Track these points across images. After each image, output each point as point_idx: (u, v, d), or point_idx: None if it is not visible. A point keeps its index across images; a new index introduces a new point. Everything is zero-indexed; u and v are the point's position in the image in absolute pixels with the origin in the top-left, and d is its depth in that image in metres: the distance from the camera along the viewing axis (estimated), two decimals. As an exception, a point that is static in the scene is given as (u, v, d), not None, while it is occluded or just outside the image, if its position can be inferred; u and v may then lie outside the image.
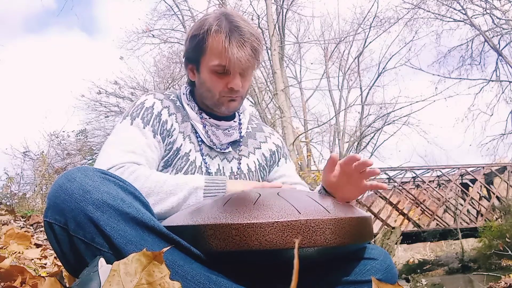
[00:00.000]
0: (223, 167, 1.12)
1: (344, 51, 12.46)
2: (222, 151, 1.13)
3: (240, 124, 1.17)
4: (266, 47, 8.92)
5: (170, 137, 1.07)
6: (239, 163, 1.15)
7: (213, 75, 1.05)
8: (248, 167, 1.16)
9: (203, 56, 1.05)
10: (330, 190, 1.04)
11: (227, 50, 1.00)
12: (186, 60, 1.12)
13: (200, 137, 1.10)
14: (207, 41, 1.02)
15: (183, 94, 1.14)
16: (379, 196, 11.40)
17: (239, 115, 1.19)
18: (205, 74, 1.06)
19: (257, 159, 1.19)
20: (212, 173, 1.09)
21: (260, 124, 1.28)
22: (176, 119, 1.09)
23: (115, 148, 0.99)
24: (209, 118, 1.11)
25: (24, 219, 3.58)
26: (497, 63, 12.16)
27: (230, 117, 1.16)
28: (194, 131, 1.11)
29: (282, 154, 1.26)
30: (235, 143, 1.16)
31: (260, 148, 1.21)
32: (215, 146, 1.11)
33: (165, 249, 0.63)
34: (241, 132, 1.17)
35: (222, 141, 1.12)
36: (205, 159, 1.09)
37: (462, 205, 11.71)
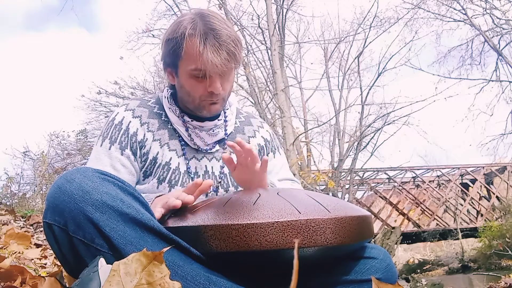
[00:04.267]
0: (212, 167, 1.11)
1: (344, 51, 12.43)
2: (209, 151, 1.11)
3: (225, 121, 1.16)
4: (266, 47, 8.92)
5: (143, 148, 1.06)
6: None
7: (192, 79, 1.03)
8: None
9: (180, 61, 1.03)
10: (242, 186, 1.04)
11: (202, 55, 0.97)
12: (164, 64, 1.10)
13: (183, 141, 1.09)
14: (182, 45, 0.99)
15: (165, 97, 1.13)
16: (379, 196, 11.41)
17: (225, 112, 1.17)
18: (184, 78, 1.04)
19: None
20: (200, 176, 1.09)
21: (248, 116, 1.26)
22: (148, 128, 1.08)
23: None
24: (192, 121, 1.10)
25: (24, 219, 3.58)
26: (497, 63, 12.15)
27: (214, 117, 1.13)
28: (177, 135, 1.10)
29: (271, 148, 1.24)
30: (221, 141, 1.15)
31: (249, 143, 1.19)
32: (200, 148, 1.10)
33: (165, 249, 0.63)
34: (226, 130, 1.15)
35: (207, 141, 1.11)
36: (188, 163, 1.08)
37: (462, 205, 11.71)
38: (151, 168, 1.06)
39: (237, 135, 1.18)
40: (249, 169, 0.98)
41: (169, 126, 1.10)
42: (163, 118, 1.11)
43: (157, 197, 0.92)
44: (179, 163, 1.08)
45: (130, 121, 1.07)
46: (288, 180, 1.23)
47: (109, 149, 1.05)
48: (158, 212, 0.83)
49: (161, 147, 1.07)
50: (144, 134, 1.07)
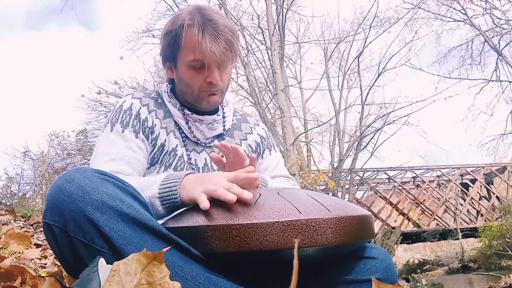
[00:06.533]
0: (210, 161, 1.12)
1: (344, 51, 12.44)
2: (208, 145, 1.13)
3: (224, 117, 1.18)
4: (266, 47, 8.92)
5: (152, 134, 1.07)
6: None
7: (191, 70, 1.04)
8: None
9: (179, 52, 1.05)
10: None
11: (201, 44, 0.99)
12: (163, 58, 1.11)
13: (184, 133, 1.11)
14: (181, 36, 1.02)
15: (164, 92, 1.15)
16: (379, 196, 11.41)
17: (223, 108, 1.19)
18: (183, 70, 1.06)
19: (244, 150, 1.19)
20: (199, 168, 1.10)
21: (244, 115, 1.28)
22: (156, 115, 1.09)
23: (97, 160, 1.01)
24: (192, 114, 1.11)
25: (24, 219, 3.58)
26: (497, 63, 12.15)
27: (213, 111, 1.15)
28: (178, 127, 1.11)
29: (267, 146, 1.26)
30: (220, 136, 1.16)
31: (246, 140, 1.21)
32: (199, 141, 1.12)
33: (165, 249, 0.63)
34: (225, 126, 1.17)
35: (206, 135, 1.13)
36: (189, 154, 1.10)
37: (462, 205, 11.72)
38: (159, 154, 1.07)
39: (234, 132, 1.20)
40: (238, 167, 0.97)
41: (172, 117, 1.12)
42: (166, 109, 1.13)
43: (187, 174, 0.87)
44: (182, 152, 1.09)
45: (140, 107, 1.08)
46: (282, 177, 1.23)
47: (123, 132, 1.04)
48: (203, 199, 0.76)
49: (167, 135, 1.09)
50: (153, 121, 1.08)
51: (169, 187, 0.85)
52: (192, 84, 1.06)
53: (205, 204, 0.75)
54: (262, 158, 1.24)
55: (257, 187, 0.90)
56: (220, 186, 0.78)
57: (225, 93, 1.14)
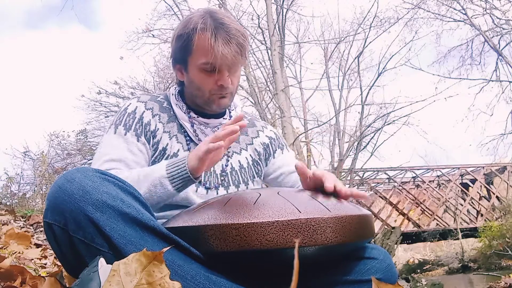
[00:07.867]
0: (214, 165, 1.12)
1: (344, 51, 12.40)
2: None
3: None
4: (266, 47, 8.92)
5: (154, 138, 1.09)
6: (231, 160, 1.15)
7: (202, 73, 1.05)
8: (240, 164, 1.16)
9: (190, 55, 1.05)
10: None
11: (213, 47, 1.00)
12: (174, 60, 1.12)
13: (189, 136, 1.12)
14: (193, 39, 1.03)
15: (172, 94, 1.16)
16: (379, 196, 11.41)
17: (230, 112, 1.19)
18: (194, 73, 1.07)
19: (250, 155, 1.19)
20: (203, 172, 1.10)
21: (252, 119, 1.28)
22: (160, 120, 1.10)
23: (98, 160, 1.04)
24: (198, 117, 1.12)
25: (24, 219, 3.58)
26: (497, 63, 12.14)
27: (220, 115, 1.16)
28: (182, 130, 1.12)
29: (278, 145, 1.25)
30: None
31: (252, 144, 1.21)
32: None
33: (165, 249, 0.63)
34: None
35: None
36: None
37: (462, 205, 11.71)
38: (160, 158, 1.08)
39: (240, 136, 1.20)
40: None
41: (176, 121, 1.13)
42: (171, 113, 1.14)
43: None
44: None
45: (143, 111, 1.10)
46: None
47: (125, 135, 1.07)
48: (204, 147, 0.90)
49: (170, 139, 1.10)
50: (156, 125, 1.10)
51: (177, 165, 0.95)
52: (203, 86, 1.07)
53: (210, 146, 0.90)
54: (274, 158, 1.23)
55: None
56: (207, 143, 0.91)
57: (234, 95, 1.14)
